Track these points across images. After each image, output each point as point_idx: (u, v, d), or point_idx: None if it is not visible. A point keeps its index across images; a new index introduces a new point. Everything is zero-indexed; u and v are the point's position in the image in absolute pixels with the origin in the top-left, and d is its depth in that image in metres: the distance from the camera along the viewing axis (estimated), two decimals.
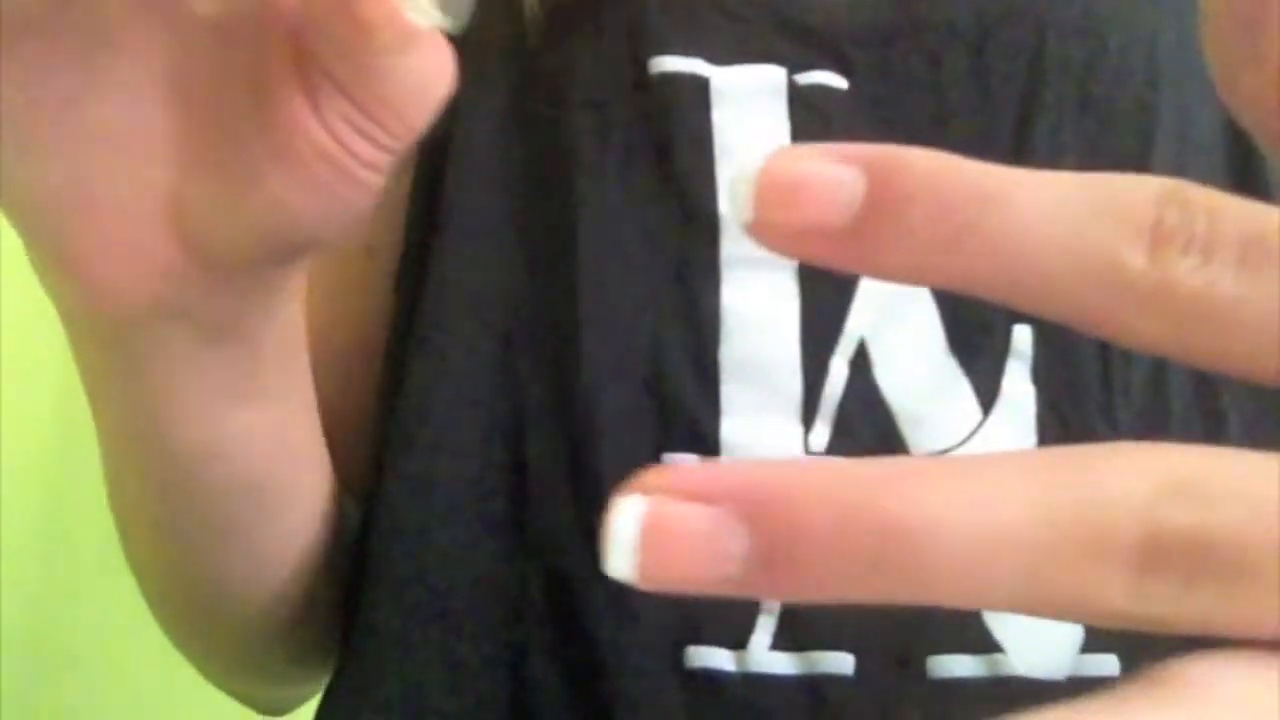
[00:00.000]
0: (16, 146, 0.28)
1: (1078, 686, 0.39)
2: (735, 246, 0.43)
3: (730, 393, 0.42)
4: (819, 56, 0.45)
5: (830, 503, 0.15)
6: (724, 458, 0.41)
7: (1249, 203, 0.16)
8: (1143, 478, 0.15)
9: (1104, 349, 0.42)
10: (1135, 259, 0.16)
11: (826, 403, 0.42)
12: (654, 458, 0.41)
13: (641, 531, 0.16)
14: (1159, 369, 0.43)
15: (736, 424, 0.41)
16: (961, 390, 0.42)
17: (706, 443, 0.41)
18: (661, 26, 0.45)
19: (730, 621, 0.40)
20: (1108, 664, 0.40)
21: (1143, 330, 0.16)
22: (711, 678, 0.39)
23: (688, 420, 0.41)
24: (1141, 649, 0.44)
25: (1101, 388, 0.42)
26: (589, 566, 0.41)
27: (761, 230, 0.17)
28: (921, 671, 0.39)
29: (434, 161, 0.47)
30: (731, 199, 0.17)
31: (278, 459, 0.39)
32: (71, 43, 0.27)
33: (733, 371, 0.42)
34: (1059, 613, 0.16)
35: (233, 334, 0.33)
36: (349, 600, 0.45)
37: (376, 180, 0.29)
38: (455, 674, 0.42)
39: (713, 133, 0.44)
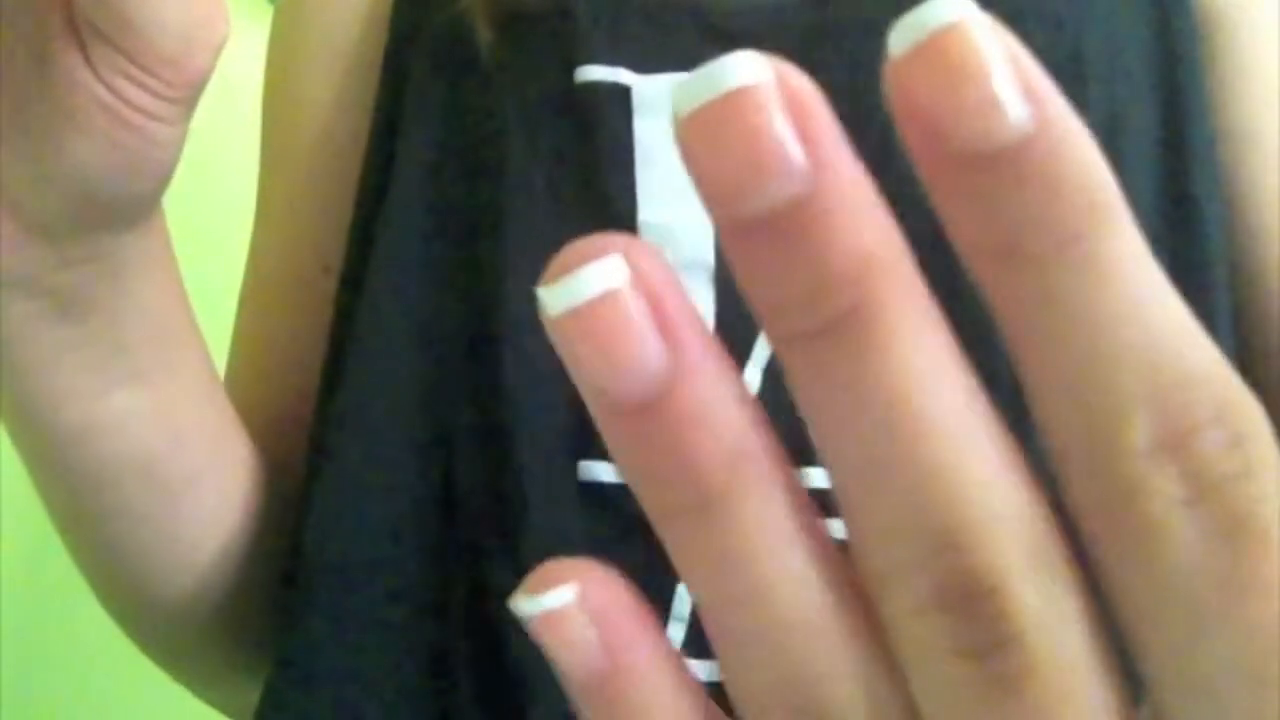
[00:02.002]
0: None
1: None
2: None
3: None
4: None
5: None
6: None
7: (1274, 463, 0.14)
8: (1021, 550, 0.15)
9: None
10: (1137, 444, 0.14)
11: None
12: (571, 464, 0.42)
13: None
14: None
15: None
16: None
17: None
18: (589, 36, 0.46)
19: None
20: None
21: (1093, 512, 0.15)
22: None
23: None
24: None
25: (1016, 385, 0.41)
26: (510, 579, 0.41)
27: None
28: None
29: (379, 181, 0.48)
30: None
31: (166, 441, 0.40)
32: None
33: None
34: (867, 558, 0.15)
35: (86, 309, 0.34)
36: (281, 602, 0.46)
37: (164, 130, 0.30)
38: (381, 687, 0.42)
39: (634, 142, 0.44)
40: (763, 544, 0.15)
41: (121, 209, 0.33)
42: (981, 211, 0.14)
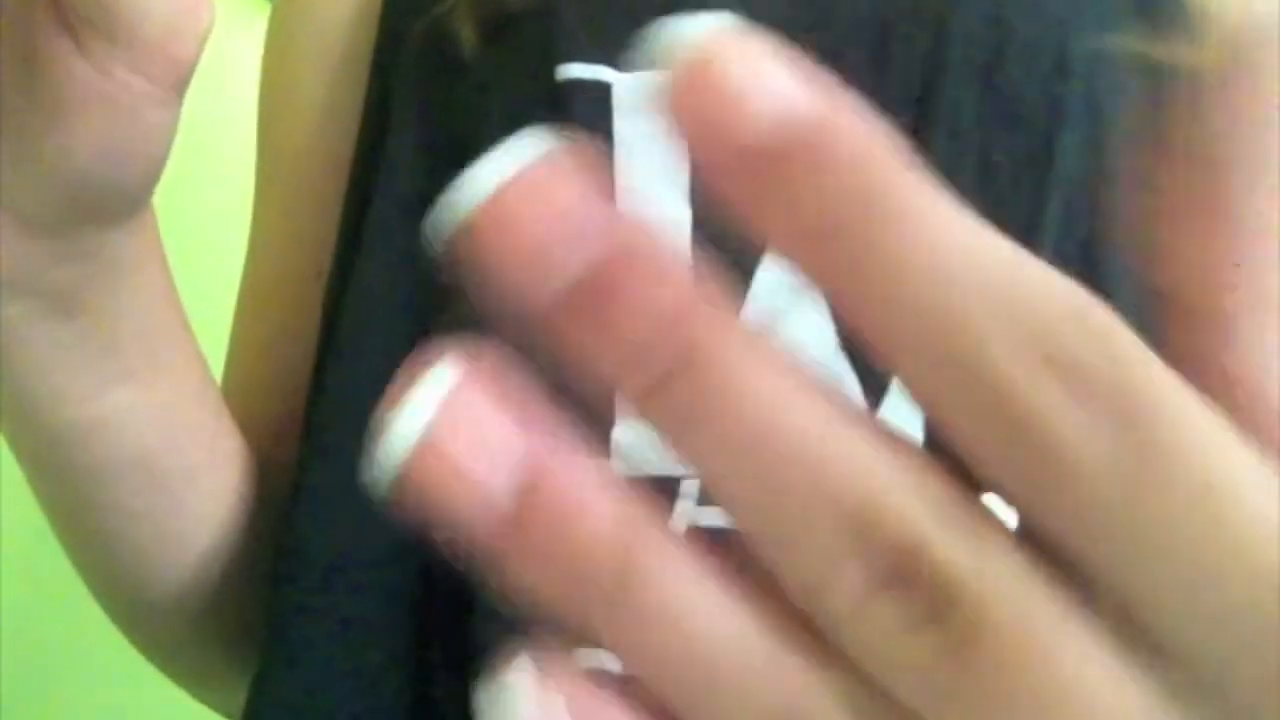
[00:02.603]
0: None
1: None
2: None
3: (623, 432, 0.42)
4: None
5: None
6: (614, 460, 0.41)
7: (1156, 363, 0.14)
8: (926, 500, 0.15)
9: None
10: (1014, 372, 0.14)
11: None
12: None
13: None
14: None
15: (630, 425, 0.42)
16: (849, 389, 0.41)
17: (599, 444, 0.41)
18: (573, 34, 0.46)
19: None
20: None
21: (983, 443, 0.14)
22: (602, 678, 0.40)
23: (581, 421, 0.42)
24: None
25: None
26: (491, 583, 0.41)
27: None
28: None
29: (367, 182, 0.49)
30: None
31: (165, 438, 0.40)
32: None
33: None
34: (789, 570, 0.15)
35: (81, 307, 0.35)
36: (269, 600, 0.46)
37: (154, 117, 0.31)
38: (360, 679, 0.43)
39: (614, 138, 0.44)
40: (684, 611, 0.15)
41: (113, 202, 0.33)
42: (787, 200, 0.14)
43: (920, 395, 0.15)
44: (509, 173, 0.15)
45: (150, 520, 0.42)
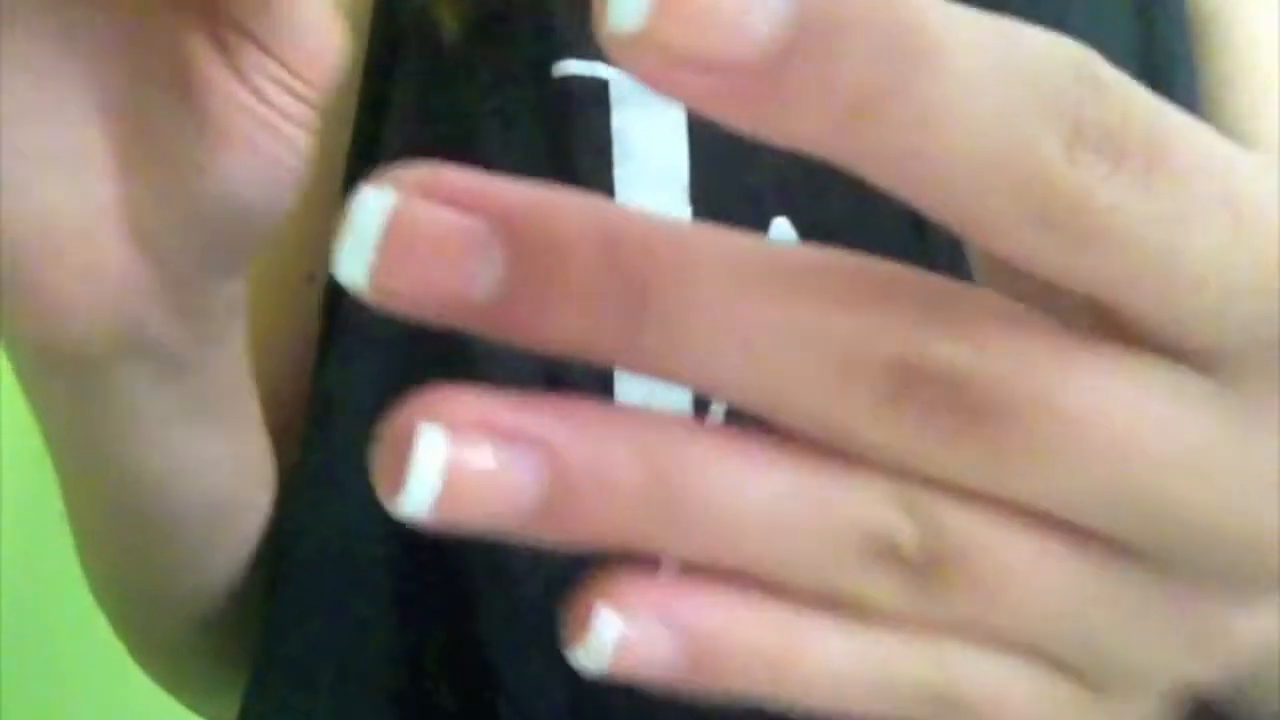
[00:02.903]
0: None
1: None
2: None
3: (625, 392, 0.42)
4: None
5: (597, 242, 0.15)
6: None
7: (1152, 99, 0.15)
8: (907, 311, 0.15)
9: None
10: (1054, 155, 0.14)
11: (718, 403, 0.41)
12: None
13: (386, 226, 0.14)
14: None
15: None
16: None
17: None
18: (567, 30, 0.45)
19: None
20: None
21: (1040, 246, 0.15)
22: (604, 687, 0.39)
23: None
24: None
25: None
26: (483, 572, 0.41)
27: (649, 53, 0.13)
28: None
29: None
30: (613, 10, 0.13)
31: (235, 479, 0.40)
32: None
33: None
34: (807, 423, 0.15)
35: (191, 365, 0.33)
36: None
37: (303, 137, 0.30)
38: (364, 685, 0.42)
39: (612, 136, 0.44)
40: (732, 486, 0.16)
41: (255, 235, 0.31)
42: (817, 88, 0.14)
43: (994, 236, 0.15)
44: (389, 208, 0.14)
45: (200, 552, 0.42)
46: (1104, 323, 0.16)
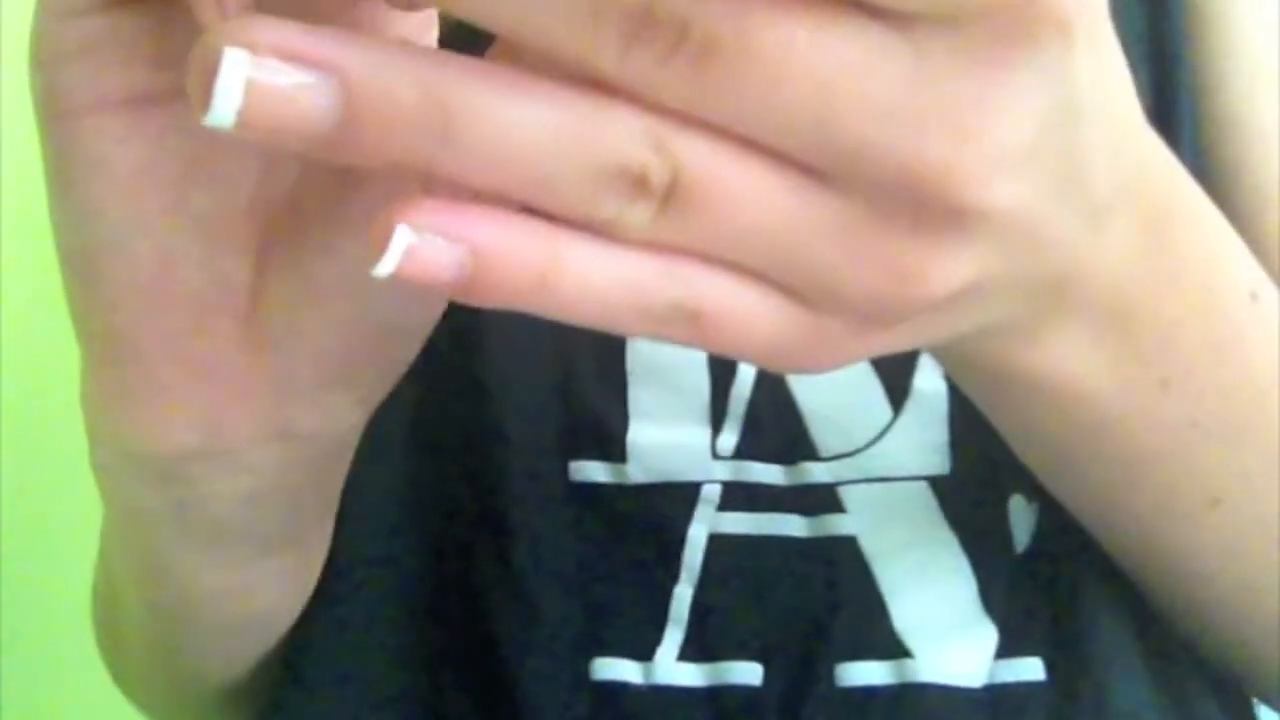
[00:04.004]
0: (124, 220, 0.26)
1: (995, 695, 0.38)
2: None
3: (638, 396, 0.41)
4: None
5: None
6: (631, 463, 0.40)
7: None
8: None
9: None
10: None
11: (735, 404, 0.41)
12: (562, 464, 0.41)
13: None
14: None
15: (645, 428, 0.41)
16: (871, 388, 0.40)
17: (614, 447, 0.40)
18: None
19: (638, 633, 0.39)
20: (1029, 668, 0.38)
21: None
22: (618, 690, 0.39)
23: (595, 425, 0.41)
24: (1067, 648, 0.42)
25: None
26: (495, 574, 0.40)
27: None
28: (830, 680, 0.38)
29: None
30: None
31: (292, 598, 0.38)
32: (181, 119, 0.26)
33: (640, 375, 0.41)
34: (570, 60, 0.18)
35: (282, 490, 0.31)
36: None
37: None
38: (378, 689, 0.41)
39: None
40: (509, 117, 0.18)
41: (397, 357, 0.30)
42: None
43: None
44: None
45: (239, 654, 0.41)
46: None
